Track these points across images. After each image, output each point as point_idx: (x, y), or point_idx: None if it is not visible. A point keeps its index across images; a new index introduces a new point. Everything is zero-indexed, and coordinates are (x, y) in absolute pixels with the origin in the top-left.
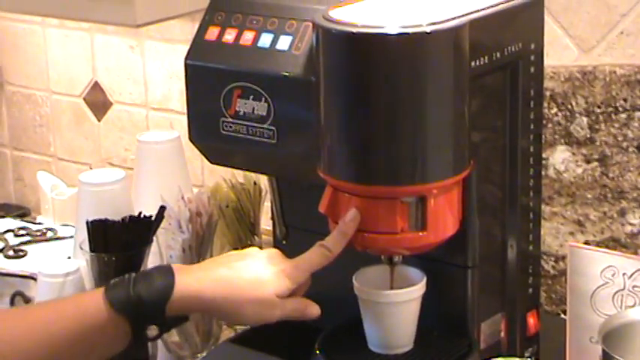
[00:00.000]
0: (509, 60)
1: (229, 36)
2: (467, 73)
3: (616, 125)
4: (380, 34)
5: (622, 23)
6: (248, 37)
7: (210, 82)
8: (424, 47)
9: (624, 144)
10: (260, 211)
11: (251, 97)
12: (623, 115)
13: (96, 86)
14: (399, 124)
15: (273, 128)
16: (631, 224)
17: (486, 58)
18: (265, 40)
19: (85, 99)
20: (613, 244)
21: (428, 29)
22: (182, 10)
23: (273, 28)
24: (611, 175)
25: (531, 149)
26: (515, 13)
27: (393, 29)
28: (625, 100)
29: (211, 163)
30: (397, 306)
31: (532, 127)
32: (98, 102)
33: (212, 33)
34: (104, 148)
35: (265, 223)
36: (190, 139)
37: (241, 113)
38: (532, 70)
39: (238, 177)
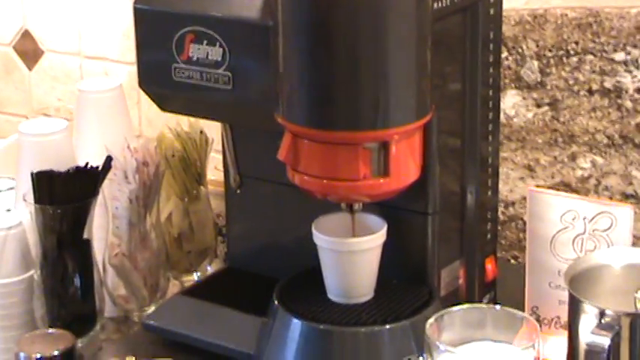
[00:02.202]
0: (469, 2)
1: None
2: (429, 15)
3: (567, 69)
4: None
5: None
6: None
7: (161, 27)
8: None
9: (575, 87)
10: (207, 160)
11: (205, 41)
12: (575, 59)
13: (26, 34)
14: (360, 68)
15: (228, 74)
16: (582, 168)
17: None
18: None
19: (14, 47)
20: (564, 188)
21: None
22: None
23: None
24: (561, 119)
25: (490, 95)
26: None
27: None
28: (576, 43)
29: (163, 110)
30: (357, 254)
31: (491, 71)
32: (28, 50)
33: None
34: (35, 98)
35: (211, 173)
36: (141, 85)
37: (194, 59)
38: (491, 12)
39: (183, 126)
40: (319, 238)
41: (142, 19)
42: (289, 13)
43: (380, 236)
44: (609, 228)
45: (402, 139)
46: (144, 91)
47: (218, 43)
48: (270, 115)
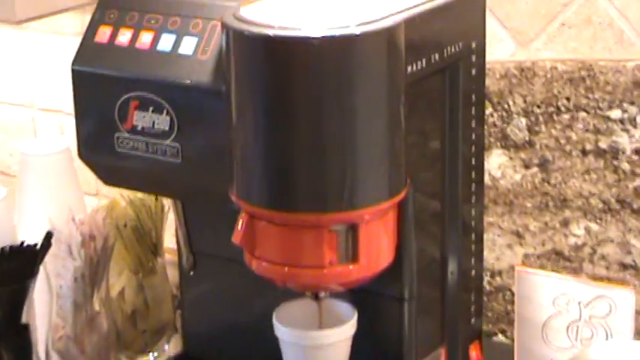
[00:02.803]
0: (448, 62)
1: (124, 37)
2: (403, 80)
3: (558, 127)
4: (301, 37)
5: (563, 14)
6: (146, 38)
7: (102, 92)
8: (353, 52)
9: (567, 147)
10: (163, 229)
11: (150, 108)
12: (566, 116)
13: None
14: (324, 141)
15: (176, 145)
16: (575, 235)
17: (424, 61)
18: (166, 42)
19: None
20: (555, 257)
21: (357, 31)
22: (68, 3)
23: (175, 28)
24: (552, 181)
25: (472, 153)
26: (455, 10)
27: (316, 31)
28: (568, 99)
29: (106, 184)
30: (325, 349)
31: (474, 135)
32: None
33: (103, 34)
34: None
35: (169, 240)
36: (80, 156)
37: (139, 127)
38: (473, 71)
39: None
40: (281, 330)
41: (81, 82)
42: (243, 79)
43: (350, 327)
44: (608, 314)
45: (373, 220)
46: (84, 162)
47: (165, 111)
48: (225, 191)
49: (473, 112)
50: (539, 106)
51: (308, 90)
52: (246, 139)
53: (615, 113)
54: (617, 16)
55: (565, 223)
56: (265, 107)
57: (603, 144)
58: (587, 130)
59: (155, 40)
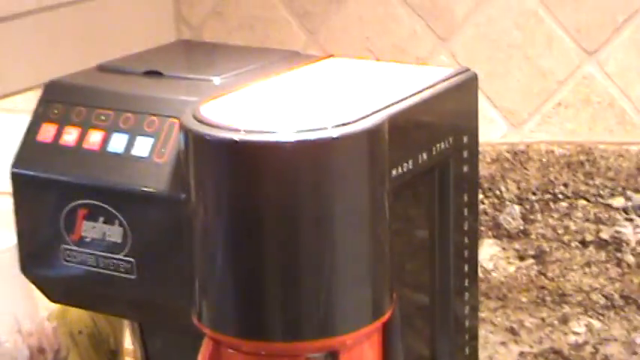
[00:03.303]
0: (438, 160)
1: (69, 137)
2: (387, 187)
3: (555, 215)
4: (271, 142)
5: (559, 92)
6: (95, 138)
7: (46, 198)
8: (330, 157)
9: (565, 238)
10: (123, 335)
11: (101, 218)
12: (564, 204)
13: None
14: (298, 259)
15: (131, 260)
16: (575, 333)
17: (410, 162)
18: (118, 142)
19: None
20: (554, 356)
21: (334, 133)
22: (19, 85)
23: (128, 127)
24: (550, 274)
25: (465, 243)
26: (444, 101)
27: (288, 134)
28: (566, 185)
29: (51, 301)
30: None
31: (466, 214)
32: None
33: (46, 132)
34: None
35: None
36: (23, 270)
37: (88, 239)
38: (465, 168)
39: None
40: None
41: (22, 186)
42: (205, 188)
43: None
44: None
45: (355, 345)
46: (27, 277)
47: (117, 221)
48: (186, 311)
49: (465, 205)
50: (534, 193)
51: (280, 201)
52: (210, 256)
53: (618, 201)
54: (618, 95)
55: (564, 320)
56: (231, 221)
57: (605, 235)
58: (587, 220)
59: (105, 140)
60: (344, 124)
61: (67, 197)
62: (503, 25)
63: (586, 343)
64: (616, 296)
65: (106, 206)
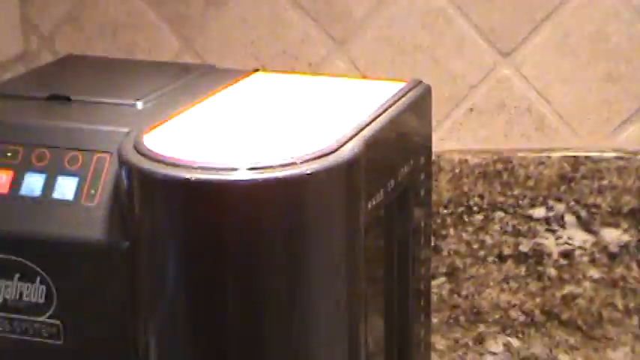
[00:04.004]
0: (400, 187)
1: None
2: (362, 226)
3: (469, 229)
4: (234, 181)
5: (471, 97)
6: (1, 180)
7: None
8: (303, 197)
9: (481, 253)
10: None
11: (16, 276)
12: (479, 217)
13: None
14: (268, 324)
15: (56, 322)
16: (492, 353)
17: (382, 192)
18: (31, 184)
19: None
20: None
21: (307, 168)
22: None
23: (44, 166)
24: (464, 292)
25: (422, 301)
26: (407, 119)
27: (252, 171)
28: (481, 197)
29: None
30: None
31: (423, 269)
32: None
33: None
34: None
35: None
36: None
37: (0, 300)
38: (422, 193)
39: None
40: None
41: None
42: (152, 237)
43: None
44: None
45: None
46: None
47: (38, 278)
48: None
49: (422, 233)
50: (445, 207)
51: (246, 249)
52: (161, 318)
53: (539, 212)
54: (536, 99)
55: (479, 340)
56: (190, 270)
57: (524, 247)
58: (505, 232)
59: (15, 182)
60: (315, 158)
61: None
62: (408, 25)
63: None
64: (537, 312)
65: (21, 260)
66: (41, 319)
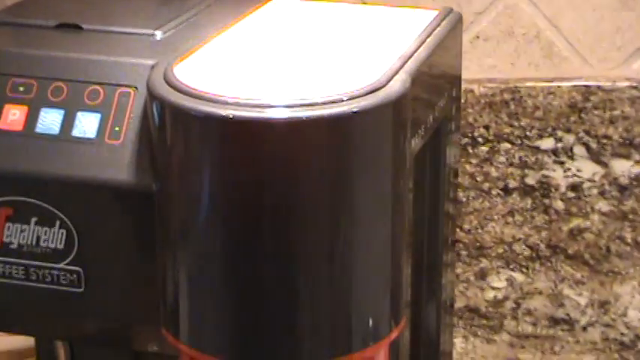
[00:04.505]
0: (436, 122)
1: None
2: (408, 165)
3: (474, 161)
4: (275, 119)
5: (477, 24)
6: (14, 116)
7: None
8: (349, 136)
9: (485, 185)
10: None
11: (33, 219)
12: (484, 148)
13: None
14: (303, 264)
15: (77, 269)
16: (494, 288)
17: (423, 128)
18: (49, 121)
19: None
20: (469, 314)
21: (354, 106)
22: None
23: (61, 101)
24: (466, 226)
25: (450, 240)
26: (444, 49)
27: (297, 109)
28: (486, 127)
29: None
30: None
31: (451, 209)
32: None
33: None
34: None
35: None
36: None
37: (13, 246)
38: (452, 127)
39: None
40: None
41: None
42: (188, 177)
43: None
44: None
45: None
46: None
47: (58, 222)
48: (152, 331)
49: (451, 186)
50: None
51: (281, 195)
52: (194, 261)
53: (547, 143)
54: (545, 25)
55: (482, 275)
56: (226, 215)
57: (531, 180)
58: (510, 164)
59: (30, 118)
60: (365, 94)
61: None
62: None
63: (506, 298)
64: (542, 246)
65: (40, 203)
66: (60, 265)
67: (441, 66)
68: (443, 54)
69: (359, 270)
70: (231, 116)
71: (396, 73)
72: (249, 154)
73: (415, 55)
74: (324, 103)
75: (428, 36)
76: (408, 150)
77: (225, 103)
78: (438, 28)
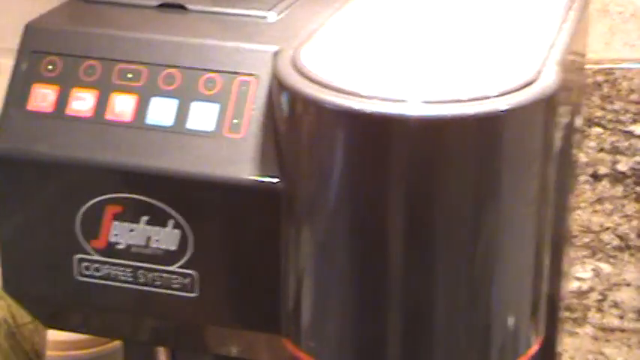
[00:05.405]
0: (572, 110)
1: (81, 103)
2: (555, 163)
3: None
4: (420, 116)
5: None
6: (123, 105)
7: (50, 191)
8: (498, 136)
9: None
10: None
11: (144, 219)
12: None
13: None
14: (449, 273)
15: (191, 272)
16: (578, 279)
17: (565, 120)
18: (161, 111)
19: None
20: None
21: (504, 103)
22: None
23: (174, 89)
24: None
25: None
26: (578, 33)
27: (440, 105)
28: None
29: (48, 327)
30: None
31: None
32: None
33: (42, 98)
34: None
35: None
36: (6, 288)
37: (122, 246)
38: (578, 116)
39: None
40: None
41: (8, 176)
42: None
43: None
44: None
45: None
46: (12, 297)
47: (172, 223)
48: (272, 339)
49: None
50: None
51: (425, 196)
52: (319, 265)
53: None
54: None
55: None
56: (364, 217)
57: (623, 166)
58: (601, 150)
59: (140, 108)
60: (516, 89)
61: (86, 190)
62: None
63: (592, 289)
64: (632, 235)
65: (150, 200)
66: (172, 268)
67: (579, 51)
68: (578, 39)
69: (503, 281)
70: (373, 112)
71: (544, 64)
72: (388, 151)
73: (557, 42)
74: (470, 100)
75: (565, 20)
76: (557, 149)
77: (365, 97)
78: (571, 11)
